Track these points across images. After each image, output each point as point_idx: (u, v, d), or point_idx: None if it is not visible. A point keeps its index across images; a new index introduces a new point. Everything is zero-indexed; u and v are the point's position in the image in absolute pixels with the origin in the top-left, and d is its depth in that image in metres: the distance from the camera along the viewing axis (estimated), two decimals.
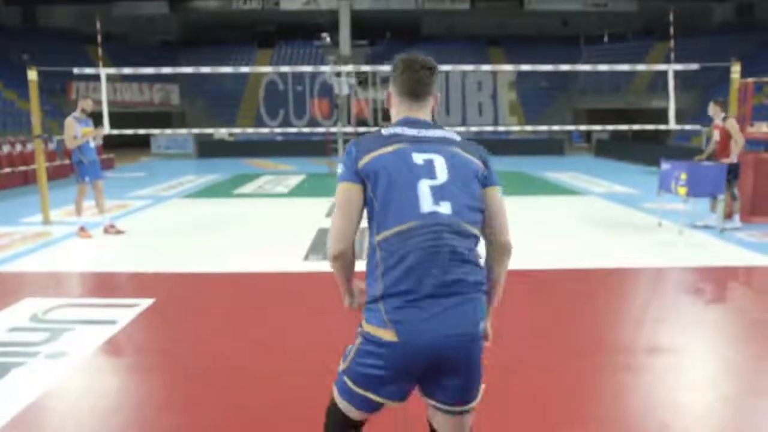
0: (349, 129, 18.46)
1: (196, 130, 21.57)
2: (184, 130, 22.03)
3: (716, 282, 6.42)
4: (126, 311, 5.08)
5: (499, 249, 2.17)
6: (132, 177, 17.60)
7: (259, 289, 5.91)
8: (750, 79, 9.94)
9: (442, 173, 2.02)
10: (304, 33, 39.16)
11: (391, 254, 1.97)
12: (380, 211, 2.00)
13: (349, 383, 2.04)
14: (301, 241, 7.78)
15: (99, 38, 13.08)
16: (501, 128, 29.26)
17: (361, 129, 16.76)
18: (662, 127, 11.46)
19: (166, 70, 12.69)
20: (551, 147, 27.66)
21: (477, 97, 34.61)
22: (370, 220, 2.06)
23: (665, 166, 8.74)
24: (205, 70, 12.65)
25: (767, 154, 9.59)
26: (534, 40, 37.54)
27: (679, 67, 10.64)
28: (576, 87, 35.20)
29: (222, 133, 27.68)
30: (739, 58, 10.05)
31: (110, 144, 20.70)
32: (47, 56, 22.77)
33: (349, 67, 22.72)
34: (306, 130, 22.38)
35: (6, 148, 15.52)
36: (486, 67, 14.56)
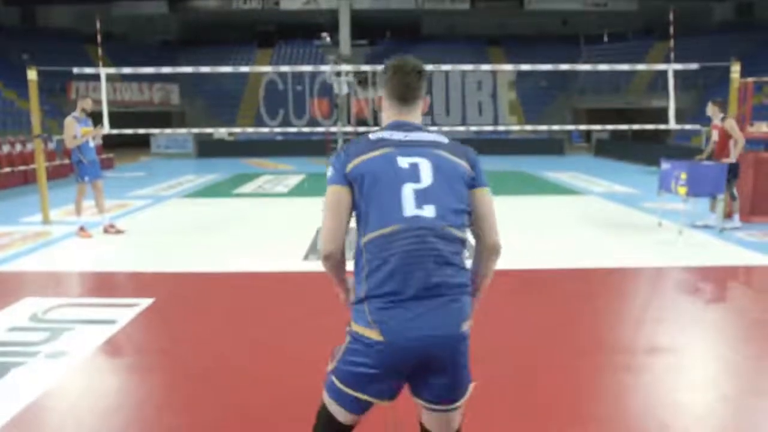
0: (349, 129, 18.44)
1: (195, 130, 21.60)
2: (183, 130, 22.06)
3: (716, 282, 6.42)
4: (126, 311, 5.08)
5: (487, 250, 2.21)
6: (132, 177, 17.60)
7: (259, 289, 5.91)
8: (750, 79, 9.94)
9: (427, 177, 2.05)
10: (304, 33, 39.12)
11: (376, 256, 2.01)
12: (365, 214, 2.04)
13: (337, 383, 2.07)
14: (301, 241, 7.78)
15: (99, 38, 13.06)
16: (501, 128, 29.27)
17: (361, 129, 16.75)
18: (662, 126, 11.45)
19: (166, 69, 12.70)
20: (551, 147, 27.66)
21: (477, 97, 34.61)
22: (357, 222, 2.10)
23: (665, 165, 8.73)
24: (205, 69, 12.64)
25: (767, 153, 9.59)
26: (534, 40, 37.52)
27: (678, 66, 10.63)
28: (576, 86, 35.20)
29: (222, 132, 27.67)
30: (739, 57, 10.05)
31: (110, 144, 20.68)
32: (47, 56, 22.75)
33: (349, 67, 22.73)
34: (306, 129, 22.37)
35: (6, 148, 15.51)
36: (486, 67, 14.55)
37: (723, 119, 8.60)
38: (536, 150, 27.04)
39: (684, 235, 8.05)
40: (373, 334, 1.99)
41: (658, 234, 8.39)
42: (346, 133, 18.60)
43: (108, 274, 6.67)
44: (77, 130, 8.18)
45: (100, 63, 12.20)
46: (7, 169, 15.05)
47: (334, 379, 2.08)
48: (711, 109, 8.75)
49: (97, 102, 9.58)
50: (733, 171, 8.48)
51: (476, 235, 2.20)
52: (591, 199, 12.37)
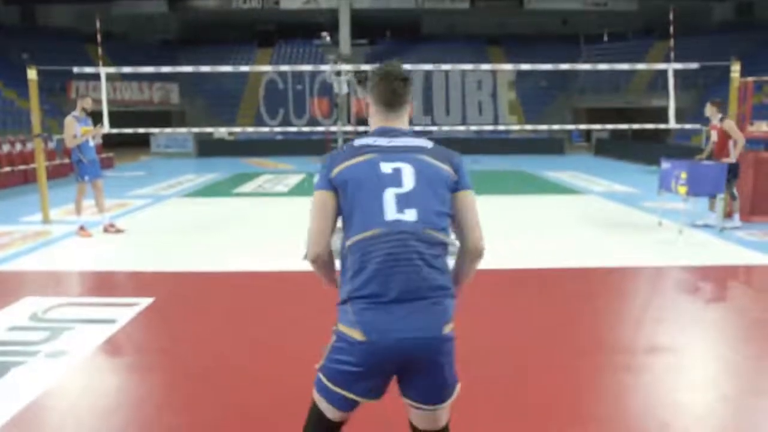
0: (349, 128, 18.42)
1: (195, 129, 21.61)
2: (183, 129, 22.07)
3: (716, 281, 6.42)
4: (126, 310, 5.08)
5: (470, 252, 2.24)
6: (132, 176, 17.60)
7: (259, 289, 5.91)
8: (750, 78, 9.94)
9: (409, 181, 2.09)
10: (304, 32, 39.11)
11: (359, 259, 2.06)
12: (349, 218, 2.10)
13: (325, 381, 2.11)
14: (301, 241, 7.75)
15: (98, 37, 13.06)
16: (501, 127, 29.27)
17: (361, 128, 16.75)
18: (662, 126, 11.45)
19: (166, 69, 12.65)
20: (551, 146, 27.66)
21: (477, 97, 34.64)
22: (342, 226, 2.16)
23: (665, 165, 8.73)
24: (205, 69, 12.65)
25: (767, 153, 9.59)
26: (534, 40, 37.52)
27: (678, 66, 10.62)
28: (576, 86, 35.21)
29: (222, 132, 27.68)
30: (739, 57, 10.05)
31: (110, 143, 20.68)
32: (47, 55, 22.75)
33: (349, 67, 22.72)
34: (306, 129, 22.40)
35: (6, 147, 15.50)
36: (486, 67, 14.50)
37: (722, 120, 8.60)
38: (536, 149, 27.05)
39: (684, 235, 8.05)
40: (356, 334, 2.03)
41: (658, 233, 8.39)
42: (346, 133, 18.58)
43: (108, 273, 6.67)
44: (77, 130, 8.18)
45: (100, 62, 12.21)
46: (7, 169, 15.05)
47: (321, 376, 2.13)
48: (709, 110, 8.76)
49: (97, 101, 9.58)
50: (734, 171, 8.48)
51: (459, 238, 2.23)
52: (591, 199, 12.37)
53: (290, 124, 31.07)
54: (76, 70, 10.75)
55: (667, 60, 14.06)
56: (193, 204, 12.12)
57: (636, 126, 12.73)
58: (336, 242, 2.17)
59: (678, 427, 3.28)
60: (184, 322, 5.00)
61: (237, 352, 4.28)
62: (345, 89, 12.17)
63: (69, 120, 8.23)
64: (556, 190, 14.08)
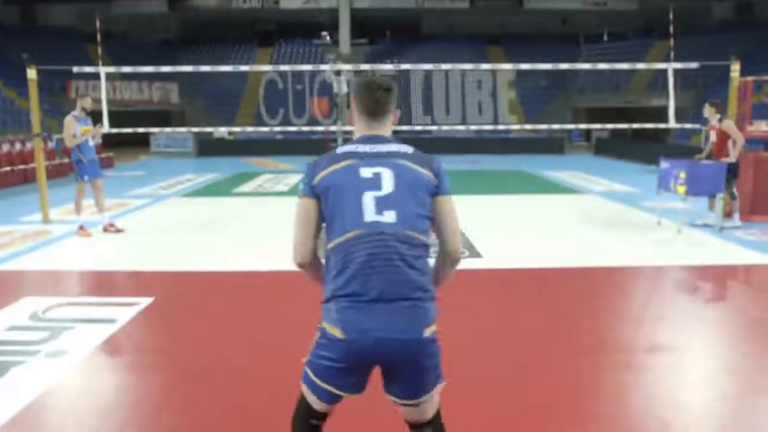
0: (349, 128, 18.44)
1: (195, 129, 21.59)
2: (183, 129, 22.05)
3: (716, 280, 6.43)
4: (125, 310, 5.08)
5: (448, 256, 2.31)
6: (131, 176, 17.59)
7: (259, 288, 5.91)
8: (749, 78, 9.94)
9: (388, 185, 2.15)
10: (303, 32, 39.11)
11: (340, 260, 2.13)
12: (331, 223, 2.18)
13: (311, 374, 2.20)
14: None
15: (98, 37, 13.08)
16: (501, 127, 29.24)
17: None
18: (662, 125, 11.45)
19: (166, 68, 12.67)
20: (551, 146, 27.64)
21: (477, 96, 34.61)
22: (326, 230, 2.23)
23: (664, 164, 8.74)
24: (205, 68, 12.69)
25: (767, 153, 9.59)
26: (534, 39, 37.51)
27: (678, 65, 10.63)
28: (575, 86, 35.20)
29: (222, 131, 27.68)
30: (739, 56, 10.04)
31: (110, 143, 20.68)
32: (47, 55, 22.72)
33: (349, 66, 22.71)
34: (306, 128, 22.35)
35: (5, 147, 15.50)
36: (485, 66, 14.50)
37: (720, 120, 8.61)
38: (536, 149, 27.03)
39: (683, 234, 8.05)
40: (337, 332, 2.10)
41: (657, 233, 8.39)
42: (345, 132, 18.58)
43: (108, 273, 6.67)
44: (77, 129, 8.18)
45: (100, 62, 12.23)
46: (7, 168, 15.05)
47: (308, 370, 2.21)
48: (708, 110, 8.77)
49: (97, 101, 9.58)
50: (733, 170, 8.48)
51: (439, 242, 2.30)
52: (591, 198, 12.37)
53: (290, 124, 31.06)
54: (75, 69, 10.75)
55: (666, 59, 14.06)
56: (193, 204, 12.12)
57: (636, 125, 12.74)
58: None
59: (678, 425, 3.29)
60: (184, 321, 5.00)
61: (237, 352, 4.28)
62: (345, 89, 12.18)
63: (69, 119, 8.22)
64: (555, 189, 14.08)
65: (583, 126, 20.55)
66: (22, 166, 15.44)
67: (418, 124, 30.14)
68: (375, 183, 2.15)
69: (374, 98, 2.28)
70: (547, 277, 6.30)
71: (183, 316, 5.16)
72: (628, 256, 7.20)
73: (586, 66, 15.56)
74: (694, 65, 11.06)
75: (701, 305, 5.59)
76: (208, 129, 27.28)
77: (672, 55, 11.89)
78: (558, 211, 10.73)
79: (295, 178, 16.52)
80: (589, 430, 3.25)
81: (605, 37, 37.42)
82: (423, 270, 2.15)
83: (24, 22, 36.20)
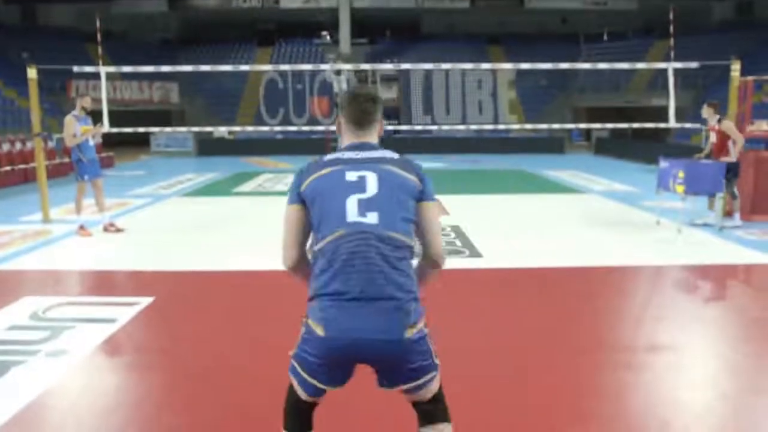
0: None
1: (195, 129, 21.57)
2: (183, 129, 22.04)
3: (716, 280, 6.43)
4: (126, 309, 5.08)
5: (430, 261, 2.37)
6: (132, 175, 17.59)
7: (259, 288, 5.90)
8: (750, 77, 9.94)
9: (372, 187, 2.21)
10: (304, 31, 39.13)
11: (324, 259, 2.19)
12: (316, 225, 2.23)
13: (297, 367, 2.26)
14: None
15: (98, 36, 13.07)
16: (501, 126, 29.24)
17: None
18: (662, 125, 11.46)
19: (166, 68, 12.67)
20: (551, 145, 27.64)
21: (477, 96, 34.60)
22: (312, 233, 2.29)
23: (663, 164, 8.75)
24: (205, 68, 12.69)
25: (767, 152, 9.58)
26: (534, 39, 37.52)
27: (678, 65, 10.63)
28: (576, 85, 35.19)
29: (222, 131, 27.68)
30: (739, 56, 10.05)
31: (110, 142, 20.69)
32: (47, 54, 22.75)
33: (349, 66, 22.72)
34: (306, 128, 22.39)
35: (6, 147, 15.50)
36: (486, 66, 14.53)
37: (719, 121, 8.62)
38: (536, 148, 27.03)
39: (683, 234, 8.05)
40: (319, 330, 2.15)
41: (657, 232, 8.39)
42: None
43: (108, 272, 6.67)
44: (77, 129, 8.17)
45: (100, 61, 12.22)
46: (7, 168, 15.05)
47: (294, 363, 2.27)
48: (706, 111, 8.77)
49: (97, 101, 9.58)
50: (734, 170, 8.49)
51: (422, 246, 2.35)
52: (591, 198, 12.37)
53: (290, 124, 31.05)
54: (76, 69, 10.75)
55: (667, 59, 14.05)
56: (193, 203, 12.12)
57: (636, 125, 12.75)
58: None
59: (678, 425, 3.29)
60: (184, 321, 5.00)
61: (237, 351, 4.28)
62: (345, 88, 12.19)
63: (69, 119, 8.22)
64: (556, 189, 14.07)
65: (583, 126, 20.53)
66: (22, 166, 15.44)
67: (418, 124, 30.16)
68: (360, 186, 2.20)
69: (361, 108, 2.35)
70: (547, 276, 6.30)
71: (183, 315, 5.16)
72: (629, 255, 7.20)
73: (587, 66, 15.57)
74: (694, 65, 11.06)
75: (701, 305, 5.59)
76: (208, 129, 27.28)
77: (672, 54, 11.88)
78: (558, 211, 10.73)
79: None
80: (590, 429, 3.25)
81: (605, 37, 37.43)
82: (405, 271, 2.19)
83: (24, 22, 36.21)
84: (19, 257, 7.13)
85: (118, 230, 8.52)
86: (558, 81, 35.33)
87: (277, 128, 23.39)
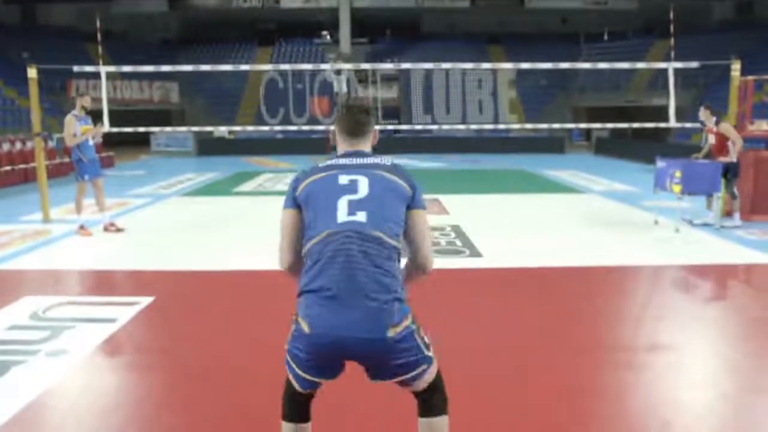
0: None
1: (195, 128, 21.56)
2: (183, 128, 22.02)
3: (716, 280, 6.43)
4: (126, 309, 5.08)
5: (416, 268, 2.43)
6: (132, 175, 17.59)
7: (260, 287, 5.89)
8: (750, 77, 9.93)
9: (364, 189, 2.29)
10: (304, 31, 39.12)
11: (314, 258, 2.26)
12: (309, 226, 2.31)
13: (290, 362, 2.33)
14: None
15: (99, 36, 13.07)
16: (501, 126, 29.23)
17: None
18: (662, 125, 11.45)
19: (166, 68, 12.64)
20: (551, 145, 27.63)
21: (477, 95, 34.57)
22: (305, 234, 2.36)
23: (660, 164, 8.75)
24: (205, 68, 12.70)
25: (767, 152, 9.58)
26: (534, 38, 37.51)
27: (679, 64, 10.62)
28: (576, 85, 35.18)
29: (222, 131, 27.67)
30: (739, 55, 10.06)
31: (110, 142, 20.68)
32: (47, 54, 22.78)
33: (349, 65, 22.74)
34: (306, 128, 22.39)
35: (6, 146, 15.49)
36: (486, 65, 14.54)
37: (717, 123, 8.63)
38: (536, 148, 27.03)
39: (683, 233, 8.05)
40: (305, 326, 2.22)
41: (658, 232, 8.38)
42: None
43: (108, 272, 6.67)
44: (77, 129, 8.17)
45: (100, 61, 12.22)
46: (7, 168, 15.04)
47: (287, 356, 2.34)
48: (703, 114, 8.79)
49: (97, 100, 9.57)
50: (734, 170, 8.49)
51: (409, 252, 2.41)
52: (591, 198, 12.36)
53: (290, 123, 31.02)
54: (76, 68, 10.74)
55: (667, 59, 14.06)
56: (194, 203, 12.12)
57: (636, 125, 12.74)
58: None
59: (678, 425, 3.28)
60: (185, 321, 5.00)
61: (237, 351, 4.28)
62: (345, 88, 12.19)
63: (69, 119, 8.22)
64: (556, 189, 14.07)
65: (583, 125, 20.50)
66: (22, 166, 15.43)
67: (418, 124, 30.15)
68: (351, 188, 2.29)
69: (354, 119, 2.45)
70: (547, 276, 6.30)
71: (183, 315, 5.16)
72: (629, 255, 7.20)
73: (587, 65, 15.56)
74: (694, 64, 11.06)
75: (702, 304, 5.59)
76: (209, 128, 27.27)
77: (672, 54, 11.89)
78: (558, 211, 10.73)
79: None
80: (590, 429, 3.25)
81: (605, 37, 37.42)
82: (390, 271, 2.23)
83: (24, 22, 36.23)
84: (19, 257, 7.13)
85: (119, 230, 8.52)
86: (558, 81, 35.32)
87: (278, 128, 23.39)
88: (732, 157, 8.46)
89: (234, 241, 8.11)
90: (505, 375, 3.85)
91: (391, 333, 2.18)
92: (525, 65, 13.05)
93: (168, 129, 22.25)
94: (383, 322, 2.17)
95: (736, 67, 9.40)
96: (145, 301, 5.28)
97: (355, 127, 2.45)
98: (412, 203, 2.35)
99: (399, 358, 2.22)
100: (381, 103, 31.63)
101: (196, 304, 5.42)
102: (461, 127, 29.26)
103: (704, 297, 5.92)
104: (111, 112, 9.95)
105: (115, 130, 10.17)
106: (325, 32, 38.02)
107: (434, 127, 27.71)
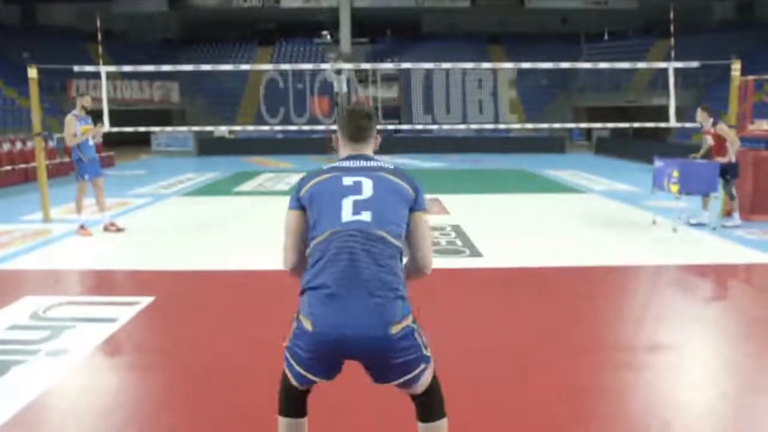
0: None
1: (196, 128, 21.54)
2: (184, 128, 22.00)
3: (716, 279, 6.43)
4: (126, 309, 5.08)
5: (415, 269, 2.47)
6: (132, 175, 17.59)
7: (260, 287, 5.90)
8: (750, 77, 9.93)
9: (368, 190, 2.33)
10: (304, 31, 39.12)
11: (317, 257, 2.29)
12: (313, 226, 2.34)
13: (290, 359, 2.36)
14: None
15: (99, 36, 13.07)
16: (501, 126, 29.22)
17: None
18: (662, 124, 11.45)
19: (166, 67, 12.64)
20: (552, 145, 27.61)
21: (477, 95, 34.56)
22: (310, 234, 2.38)
23: (658, 163, 8.76)
24: (206, 67, 12.70)
25: (767, 152, 9.58)
26: (534, 38, 37.49)
27: (679, 64, 10.62)
28: (576, 85, 35.15)
29: (222, 130, 27.66)
30: (740, 55, 10.05)
31: (110, 142, 20.68)
32: (47, 54, 22.78)
33: (350, 65, 22.73)
34: (306, 128, 22.36)
35: (6, 146, 15.49)
36: (486, 65, 14.54)
37: (714, 124, 8.63)
38: (537, 148, 27.01)
39: (681, 234, 8.05)
40: (308, 324, 2.25)
41: (658, 232, 8.38)
42: None
43: (108, 272, 6.67)
44: (77, 128, 8.17)
45: (101, 61, 12.22)
46: (8, 167, 15.04)
47: (287, 354, 2.38)
48: (701, 116, 8.80)
49: (98, 100, 9.58)
50: (733, 171, 8.49)
51: (409, 253, 2.45)
52: (592, 198, 12.36)
53: (291, 123, 31.01)
54: (76, 68, 10.74)
55: (667, 58, 14.05)
56: (194, 203, 12.12)
57: (636, 125, 12.74)
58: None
59: (679, 425, 3.28)
60: (185, 321, 5.00)
61: (237, 351, 4.28)
62: (345, 88, 12.20)
63: (69, 118, 8.22)
64: (556, 188, 14.07)
65: (583, 125, 20.51)
66: (22, 165, 15.43)
67: (418, 123, 30.14)
68: (356, 189, 2.33)
69: (357, 124, 2.50)
70: (547, 276, 6.30)
71: (183, 315, 5.16)
72: (629, 255, 7.20)
73: (587, 65, 15.56)
74: (694, 64, 11.06)
75: (702, 304, 5.59)
76: (209, 128, 27.26)
77: (672, 54, 11.88)
78: (559, 211, 10.72)
79: (295, 177, 16.51)
80: (590, 429, 3.25)
81: (606, 36, 37.41)
82: (392, 269, 2.26)
83: (24, 22, 36.21)
84: (19, 257, 7.13)
85: (119, 230, 8.52)
86: (558, 80, 35.29)
87: (278, 128, 23.37)
88: (730, 158, 8.46)
89: (234, 241, 8.12)
90: (505, 375, 3.85)
91: (393, 330, 2.21)
92: (525, 65, 13.04)
93: (168, 129, 22.23)
94: (385, 320, 2.20)
95: (736, 66, 9.40)
96: (146, 301, 5.29)
97: (357, 132, 2.50)
98: (415, 205, 2.38)
99: (399, 357, 2.24)
100: (381, 103, 31.64)
101: (197, 304, 5.42)
102: (461, 126, 29.25)
103: (704, 297, 5.92)
104: (111, 112, 9.96)
105: (115, 129, 10.17)
106: (325, 32, 38.01)
107: (434, 126, 27.69)
